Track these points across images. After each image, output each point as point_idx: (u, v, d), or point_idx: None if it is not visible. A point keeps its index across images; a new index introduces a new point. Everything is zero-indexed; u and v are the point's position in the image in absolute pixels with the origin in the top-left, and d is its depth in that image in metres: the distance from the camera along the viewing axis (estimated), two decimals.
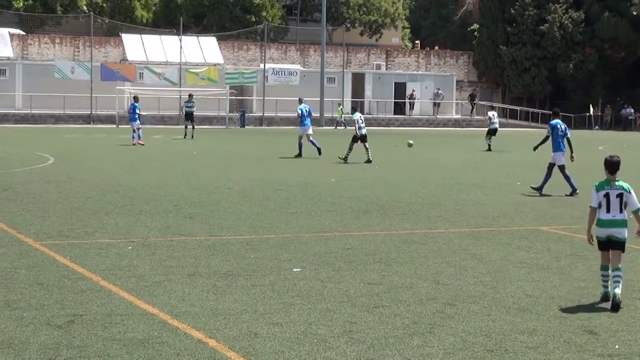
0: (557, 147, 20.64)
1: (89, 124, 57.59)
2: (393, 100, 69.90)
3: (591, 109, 71.10)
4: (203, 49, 67.39)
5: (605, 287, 9.49)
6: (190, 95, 44.14)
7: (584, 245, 13.32)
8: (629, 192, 9.47)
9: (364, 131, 29.20)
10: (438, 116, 69.98)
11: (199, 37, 68.93)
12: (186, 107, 43.05)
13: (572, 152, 20.73)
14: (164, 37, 67.38)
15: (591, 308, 9.31)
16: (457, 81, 74.63)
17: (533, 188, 20.63)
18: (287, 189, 20.17)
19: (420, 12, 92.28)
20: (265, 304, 9.13)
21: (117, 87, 57.09)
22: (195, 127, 42.65)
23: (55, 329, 8.03)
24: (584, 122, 71.77)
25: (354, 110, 30.88)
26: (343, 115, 60.54)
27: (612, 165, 9.60)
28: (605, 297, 9.47)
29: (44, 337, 7.76)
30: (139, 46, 66.24)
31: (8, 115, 57.80)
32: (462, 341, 7.95)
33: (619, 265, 9.42)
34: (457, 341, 7.94)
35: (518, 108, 72.74)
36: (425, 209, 17.11)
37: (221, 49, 69.12)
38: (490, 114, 40.08)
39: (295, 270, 10.92)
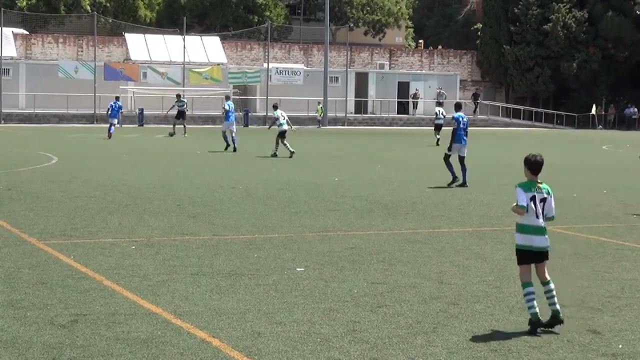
0: (457, 139, 21.70)
1: (92, 123, 57.61)
2: (396, 99, 69.88)
3: (593, 109, 71.02)
4: (206, 49, 67.43)
5: (533, 307, 8.24)
6: (179, 95, 46.21)
7: (587, 244, 13.35)
8: (551, 196, 8.45)
9: (284, 127, 30.46)
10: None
11: (203, 37, 68.96)
12: (178, 106, 44.85)
13: (446, 141, 22.28)
14: (167, 36, 67.42)
15: (594, 307, 9.29)
16: (461, 80, 74.60)
17: (459, 185, 21.40)
18: (291, 188, 20.16)
19: (424, 11, 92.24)
20: (269, 304, 9.12)
21: (121, 87, 57.16)
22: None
23: (58, 329, 8.03)
24: (588, 121, 71.73)
25: (275, 107, 31.89)
26: (322, 114, 60.88)
27: (536, 166, 8.39)
28: (537, 322, 8.23)
29: (48, 337, 7.77)
30: (142, 46, 66.29)
31: (12, 114, 57.86)
32: (465, 341, 7.94)
33: (549, 278, 8.43)
34: (461, 341, 7.94)
35: (522, 107, 72.69)
36: (429, 209, 17.10)
37: (224, 49, 69.15)
38: (437, 109, 42.24)
39: (298, 269, 10.92)
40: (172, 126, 44.75)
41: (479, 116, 71.90)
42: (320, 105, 61.43)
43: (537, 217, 8.32)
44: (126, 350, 7.43)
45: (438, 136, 40.09)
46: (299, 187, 20.48)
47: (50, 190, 18.81)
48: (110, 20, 69.84)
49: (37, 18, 68.68)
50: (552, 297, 8.37)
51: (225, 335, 7.95)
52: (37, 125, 55.09)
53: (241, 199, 17.95)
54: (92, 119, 58.40)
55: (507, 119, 71.91)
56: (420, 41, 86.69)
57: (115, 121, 41.07)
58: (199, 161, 27.93)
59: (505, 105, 74.20)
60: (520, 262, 8.44)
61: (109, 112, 41.08)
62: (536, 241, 8.33)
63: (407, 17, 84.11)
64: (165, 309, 8.81)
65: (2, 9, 58.34)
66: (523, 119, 72.13)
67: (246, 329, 8.16)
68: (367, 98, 68.97)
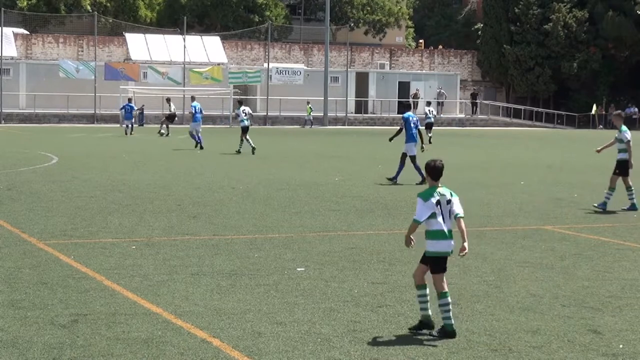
0: (410, 139, 22.10)
1: (93, 123, 57.64)
2: (397, 99, 69.87)
3: (594, 108, 71.01)
4: (207, 49, 67.40)
5: (425, 309, 8.16)
6: (169, 99, 47.44)
7: (588, 244, 13.34)
8: (455, 196, 8.29)
9: (246, 123, 31.42)
10: (442, 115, 69.92)
11: (203, 37, 68.94)
12: (171, 110, 46.99)
13: (422, 143, 22.61)
14: (167, 36, 67.40)
15: (595, 307, 9.29)
16: (461, 80, 74.62)
17: (388, 179, 21.87)
18: (291, 188, 20.16)
19: (424, 11, 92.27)
20: (269, 304, 9.12)
21: (121, 87, 57.14)
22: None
23: (59, 329, 8.03)
24: (588, 121, 71.71)
25: (240, 104, 33.11)
26: (311, 114, 60.78)
27: (436, 171, 8.23)
28: (427, 324, 8.15)
29: (48, 337, 7.77)
30: (143, 46, 66.27)
31: (12, 114, 57.88)
32: (466, 340, 7.94)
33: (447, 289, 8.17)
34: (461, 340, 7.94)
35: (522, 107, 72.71)
36: None
37: (225, 49, 69.13)
38: (426, 109, 44.00)
39: (299, 269, 10.92)
40: (167, 127, 45.35)
41: (479, 116, 71.94)
42: (310, 105, 61.38)
43: (444, 220, 8.13)
44: (126, 350, 7.43)
45: (430, 134, 41.12)
46: (299, 187, 20.48)
47: (50, 190, 18.81)
48: (111, 20, 69.85)
49: (38, 18, 68.69)
50: (449, 309, 8.10)
51: (225, 335, 7.95)
52: (37, 125, 55.10)
53: (241, 199, 17.95)
54: (92, 119, 58.40)
55: (507, 119, 71.92)
56: (420, 41, 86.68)
57: (132, 121, 45.11)
58: (199, 161, 27.93)
59: (505, 105, 74.20)
60: (434, 271, 8.15)
61: (123, 114, 45.73)
62: (443, 246, 8.13)
63: (408, 17, 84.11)
64: (166, 309, 8.82)
65: (3, 9, 58.35)
66: (523, 118, 72.14)
67: (246, 329, 8.16)
68: (367, 98, 68.96)
